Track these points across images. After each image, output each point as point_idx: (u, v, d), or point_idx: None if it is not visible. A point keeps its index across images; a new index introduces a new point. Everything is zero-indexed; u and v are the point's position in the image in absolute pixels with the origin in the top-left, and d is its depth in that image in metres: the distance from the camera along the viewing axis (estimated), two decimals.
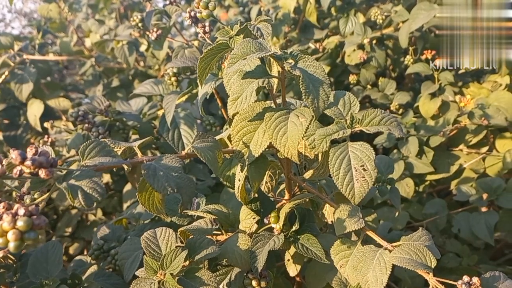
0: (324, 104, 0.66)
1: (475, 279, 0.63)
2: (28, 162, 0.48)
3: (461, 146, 1.80)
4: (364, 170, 0.65)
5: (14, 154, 0.48)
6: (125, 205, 1.78)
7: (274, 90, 0.80)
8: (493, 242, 1.47)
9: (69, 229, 1.99)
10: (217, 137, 0.81)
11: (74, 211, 2.03)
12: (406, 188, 1.72)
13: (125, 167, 0.62)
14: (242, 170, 0.76)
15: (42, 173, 0.49)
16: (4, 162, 0.50)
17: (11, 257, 1.16)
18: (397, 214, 1.30)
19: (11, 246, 0.46)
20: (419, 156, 1.74)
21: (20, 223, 0.46)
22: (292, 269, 1.05)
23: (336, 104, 0.73)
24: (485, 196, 1.53)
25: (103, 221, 1.99)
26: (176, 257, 0.73)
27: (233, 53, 0.69)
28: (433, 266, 0.68)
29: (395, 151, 1.78)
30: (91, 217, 2.05)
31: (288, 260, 1.05)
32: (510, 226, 1.59)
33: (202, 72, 0.78)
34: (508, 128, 1.74)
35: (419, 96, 1.84)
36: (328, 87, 0.67)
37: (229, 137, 0.79)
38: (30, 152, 0.49)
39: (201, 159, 0.67)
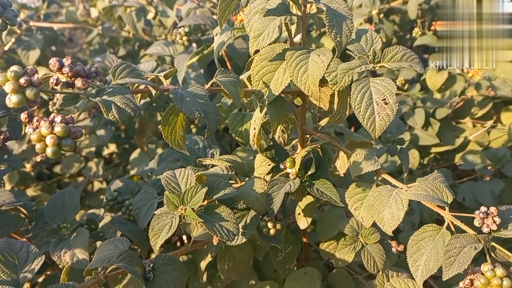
0: (347, 39, 0.67)
1: (493, 209, 0.65)
2: (65, 69, 0.49)
3: (467, 119, 1.81)
4: (386, 103, 0.66)
5: (52, 61, 0.49)
6: (132, 172, 1.79)
7: (293, 34, 0.81)
8: None
9: None
10: None
11: (80, 179, 2.04)
12: (412, 159, 1.73)
13: (153, 90, 0.63)
14: (261, 110, 0.77)
15: (78, 83, 0.50)
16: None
17: (24, 211, 1.17)
18: (405, 175, 1.32)
19: (49, 151, 0.47)
20: (425, 128, 1.76)
21: (57, 129, 0.47)
22: (303, 222, 1.06)
23: (358, 40, 0.73)
24: (490, 166, 1.55)
25: None
26: (196, 193, 0.74)
27: None
28: (449, 202, 0.69)
29: None
30: (97, 186, 2.06)
31: (299, 214, 1.07)
32: None
33: (222, 13, 0.78)
34: None
35: (426, 68, 1.84)
36: (351, 23, 0.68)
37: (248, 79, 0.80)
38: (66, 61, 0.50)
39: (225, 91, 0.68)
